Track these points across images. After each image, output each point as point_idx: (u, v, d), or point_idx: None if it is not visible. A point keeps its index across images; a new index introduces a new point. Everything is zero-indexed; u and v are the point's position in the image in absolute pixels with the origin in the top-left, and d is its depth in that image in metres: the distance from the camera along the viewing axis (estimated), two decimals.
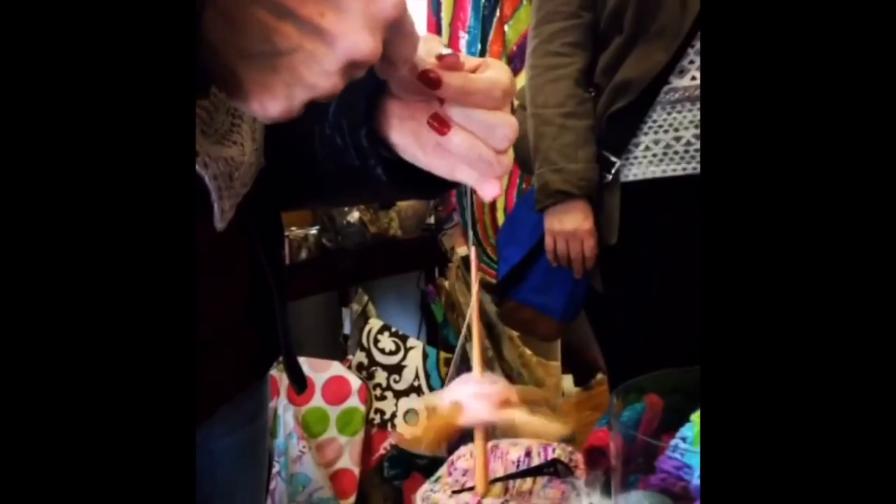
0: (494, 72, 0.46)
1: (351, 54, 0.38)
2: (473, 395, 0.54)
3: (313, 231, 1.91)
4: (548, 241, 1.37)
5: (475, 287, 0.57)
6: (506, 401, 0.55)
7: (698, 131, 1.26)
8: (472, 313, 0.57)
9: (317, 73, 0.38)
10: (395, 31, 0.40)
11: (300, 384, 0.69)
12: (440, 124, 0.46)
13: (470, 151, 0.46)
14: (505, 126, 0.46)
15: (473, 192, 0.50)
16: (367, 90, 0.50)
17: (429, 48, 0.45)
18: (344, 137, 0.52)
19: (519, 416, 0.54)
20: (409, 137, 0.49)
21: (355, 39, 0.38)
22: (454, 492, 0.62)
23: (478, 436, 0.57)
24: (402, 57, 0.42)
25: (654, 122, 1.29)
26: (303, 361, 1.72)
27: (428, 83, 0.44)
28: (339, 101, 0.53)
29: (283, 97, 0.39)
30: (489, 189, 0.47)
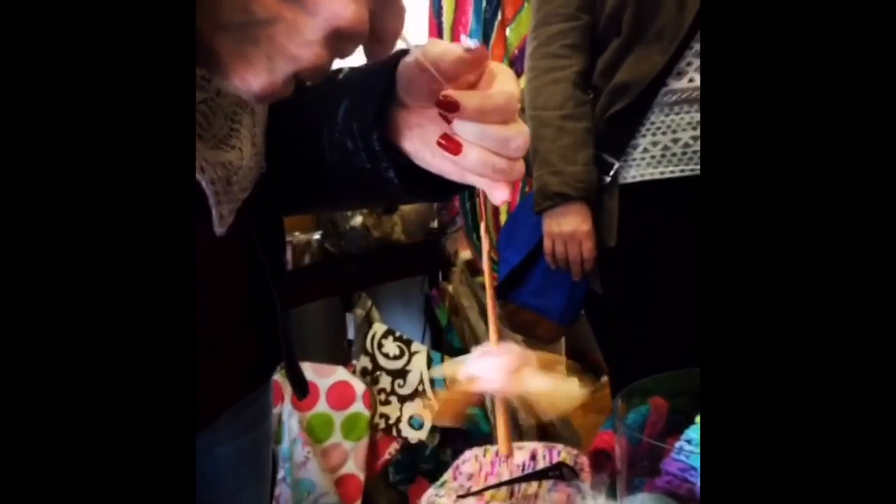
0: (506, 83, 0.46)
1: (334, 22, 0.36)
2: (491, 366, 0.53)
3: (316, 236, 1.91)
4: (546, 243, 1.37)
5: (486, 265, 0.56)
6: (521, 367, 0.54)
7: (696, 133, 1.26)
8: (487, 287, 0.56)
9: (298, 43, 0.37)
10: (381, 1, 0.38)
11: (301, 390, 0.69)
12: (451, 144, 0.46)
13: (484, 167, 0.46)
14: (518, 137, 0.45)
15: (478, 194, 0.50)
16: (376, 95, 0.50)
17: (444, 49, 0.44)
18: (355, 141, 0.52)
19: (534, 383, 0.54)
20: (418, 143, 0.50)
21: (338, 6, 0.36)
22: (459, 496, 0.61)
23: (498, 402, 0.56)
24: (391, 31, 0.40)
25: (653, 123, 1.29)
26: (307, 367, 1.71)
27: (446, 107, 0.44)
28: (349, 105, 0.53)
29: (264, 70, 0.37)
30: (499, 193, 0.47)
